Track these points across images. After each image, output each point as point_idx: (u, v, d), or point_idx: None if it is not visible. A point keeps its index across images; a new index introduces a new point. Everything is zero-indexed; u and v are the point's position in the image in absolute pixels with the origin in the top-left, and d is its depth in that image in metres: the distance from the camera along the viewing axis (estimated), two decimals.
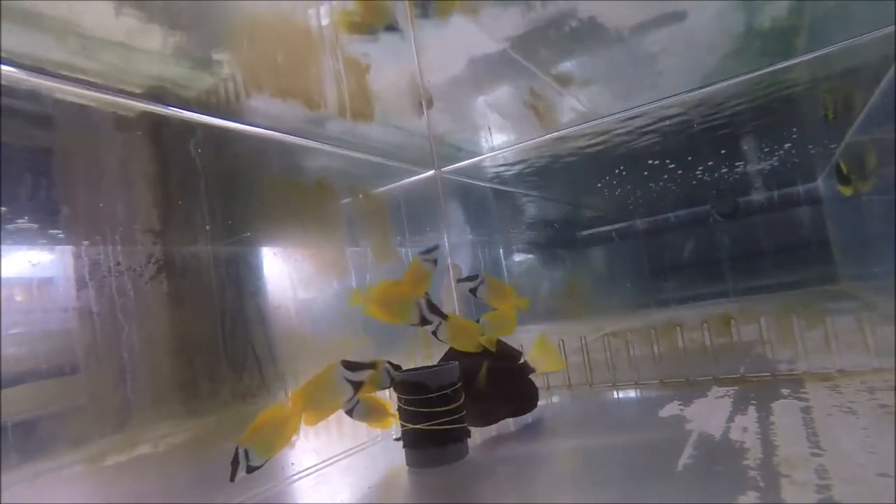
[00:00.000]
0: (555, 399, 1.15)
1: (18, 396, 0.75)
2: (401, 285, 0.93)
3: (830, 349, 1.00)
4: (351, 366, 0.79)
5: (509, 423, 0.96)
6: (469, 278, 1.05)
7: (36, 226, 0.80)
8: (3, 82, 0.70)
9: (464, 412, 0.84)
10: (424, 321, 0.90)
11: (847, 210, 1.48)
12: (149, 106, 0.85)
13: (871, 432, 0.66)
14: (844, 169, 1.34)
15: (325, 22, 1.11)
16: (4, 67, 0.68)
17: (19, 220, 0.77)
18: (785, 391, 0.91)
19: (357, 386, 0.79)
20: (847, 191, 1.37)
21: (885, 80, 1.11)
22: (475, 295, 1.04)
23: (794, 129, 1.49)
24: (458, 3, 1.11)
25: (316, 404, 0.78)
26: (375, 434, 0.96)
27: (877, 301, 1.23)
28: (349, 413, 0.88)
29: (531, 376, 1.02)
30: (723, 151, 1.57)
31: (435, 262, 0.97)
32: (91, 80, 0.78)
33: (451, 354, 0.96)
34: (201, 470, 0.89)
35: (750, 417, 0.79)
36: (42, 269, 0.81)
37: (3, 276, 0.76)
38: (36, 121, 0.78)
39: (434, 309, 0.90)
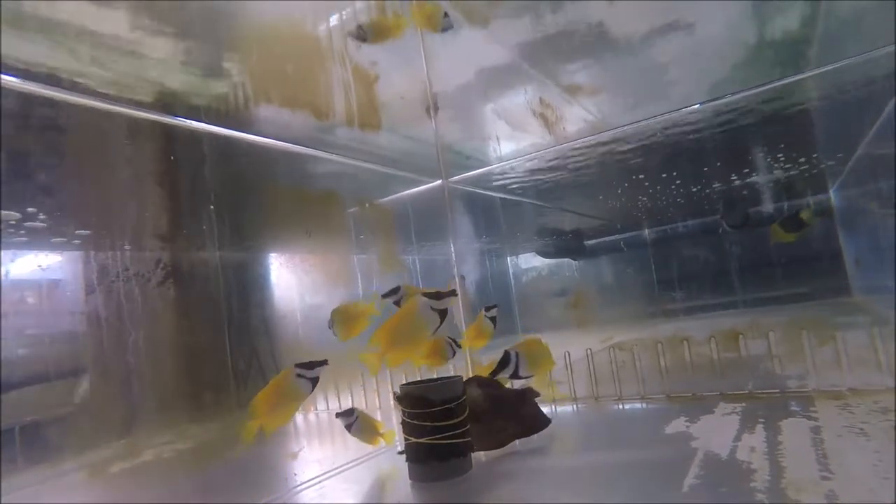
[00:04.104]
0: (559, 413, 1.14)
1: (26, 398, 0.75)
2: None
3: (841, 366, 0.99)
4: (435, 295, 0.79)
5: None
6: (392, 292, 0.94)
7: (46, 230, 0.81)
8: (16, 91, 0.70)
9: (468, 426, 0.83)
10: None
11: (860, 221, 1.46)
12: (158, 116, 0.86)
13: (884, 456, 0.64)
14: (805, 216, 1.35)
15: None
16: (13, 79, 0.69)
17: (29, 224, 0.77)
18: (794, 409, 0.90)
19: (443, 315, 0.79)
20: (789, 237, 1.39)
21: None
22: (399, 306, 0.95)
23: (806, 140, 1.48)
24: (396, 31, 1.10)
25: (402, 341, 0.78)
26: (380, 446, 0.96)
27: (889, 316, 1.21)
28: (348, 428, 0.90)
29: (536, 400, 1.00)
30: (733, 161, 1.56)
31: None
32: (101, 89, 0.79)
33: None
34: (205, 477, 0.90)
35: (758, 436, 0.78)
36: (51, 273, 0.82)
37: (13, 278, 0.76)
38: (48, 129, 0.79)
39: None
